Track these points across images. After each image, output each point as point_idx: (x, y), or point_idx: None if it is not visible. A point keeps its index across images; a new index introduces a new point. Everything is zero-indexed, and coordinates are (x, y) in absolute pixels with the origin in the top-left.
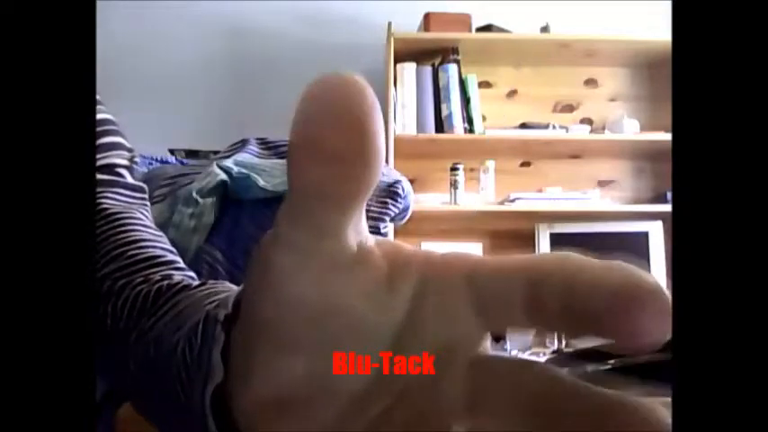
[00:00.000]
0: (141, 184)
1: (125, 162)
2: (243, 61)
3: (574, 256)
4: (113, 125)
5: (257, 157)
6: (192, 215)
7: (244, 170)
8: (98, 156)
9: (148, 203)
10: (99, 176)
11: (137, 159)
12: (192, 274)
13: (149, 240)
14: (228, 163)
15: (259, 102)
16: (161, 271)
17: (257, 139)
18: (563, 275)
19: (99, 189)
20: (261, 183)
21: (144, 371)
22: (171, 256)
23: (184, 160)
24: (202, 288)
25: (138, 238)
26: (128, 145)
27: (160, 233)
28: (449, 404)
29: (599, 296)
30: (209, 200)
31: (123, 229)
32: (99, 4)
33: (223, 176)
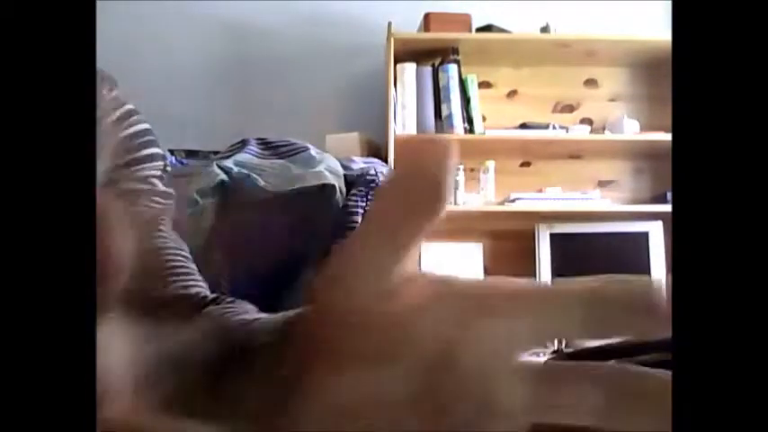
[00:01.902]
0: (170, 190)
1: (158, 173)
2: (243, 61)
3: None
4: (151, 135)
5: (257, 157)
6: (191, 215)
7: (244, 170)
8: (137, 167)
9: (173, 208)
10: (136, 186)
11: (168, 168)
12: (203, 284)
13: (172, 248)
14: (228, 163)
15: (259, 102)
16: (180, 281)
17: (257, 139)
18: None
19: (133, 198)
20: (261, 183)
21: None
22: (189, 266)
23: (184, 160)
24: (218, 307)
25: (161, 245)
26: (162, 153)
27: (180, 241)
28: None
29: None
30: (210, 200)
31: (149, 236)
32: (99, 4)
33: (223, 177)
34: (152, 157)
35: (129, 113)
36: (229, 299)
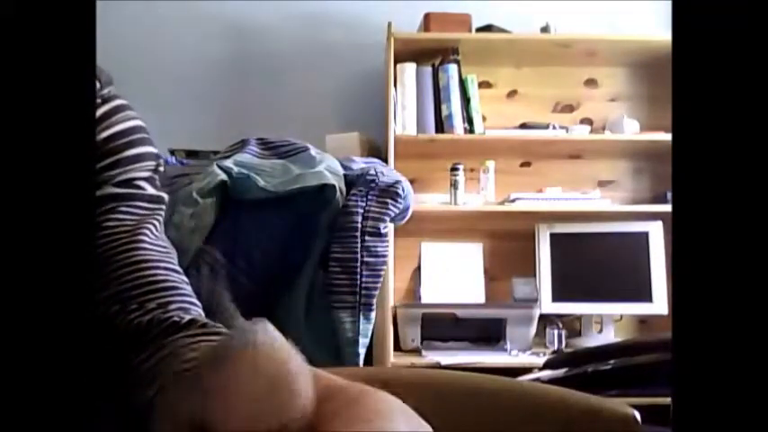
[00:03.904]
0: (160, 194)
1: (146, 174)
2: (243, 61)
3: None
4: (141, 132)
5: (257, 157)
6: (192, 215)
7: (244, 170)
8: (120, 170)
9: (163, 212)
10: (118, 191)
11: (161, 168)
12: (189, 299)
13: (153, 261)
14: (228, 163)
15: (259, 102)
16: (158, 298)
17: (257, 139)
18: None
19: (115, 204)
20: (261, 183)
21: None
22: (171, 279)
23: (184, 160)
24: (187, 333)
25: (141, 258)
26: (154, 152)
27: (166, 248)
28: None
29: None
30: (210, 200)
31: (127, 247)
32: (99, 4)
33: (223, 177)
34: (140, 158)
35: (118, 109)
36: (201, 323)
